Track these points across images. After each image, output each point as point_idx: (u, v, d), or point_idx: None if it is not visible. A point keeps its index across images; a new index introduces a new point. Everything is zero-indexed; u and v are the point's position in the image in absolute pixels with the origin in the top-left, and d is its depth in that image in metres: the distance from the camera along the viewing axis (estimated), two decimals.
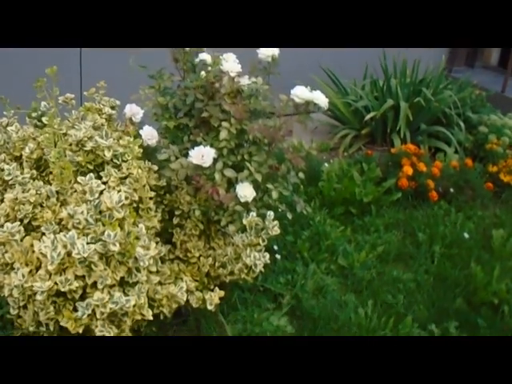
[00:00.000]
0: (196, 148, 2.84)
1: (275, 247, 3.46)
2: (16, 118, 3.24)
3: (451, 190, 4.65)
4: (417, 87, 5.63)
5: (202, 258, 3.04)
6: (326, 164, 4.47)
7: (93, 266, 2.52)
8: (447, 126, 5.57)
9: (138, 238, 2.57)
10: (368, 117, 5.34)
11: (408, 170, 4.55)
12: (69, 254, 2.51)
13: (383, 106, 5.34)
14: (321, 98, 3.12)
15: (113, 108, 3.34)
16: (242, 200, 2.87)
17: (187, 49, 3.22)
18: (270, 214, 2.87)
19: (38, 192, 2.79)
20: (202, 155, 2.81)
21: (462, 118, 5.70)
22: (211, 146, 2.92)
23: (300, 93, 3.09)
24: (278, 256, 3.47)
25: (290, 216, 3.15)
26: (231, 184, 2.94)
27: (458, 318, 3.41)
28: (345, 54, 6.18)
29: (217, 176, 2.85)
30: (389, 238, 4.00)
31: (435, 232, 4.13)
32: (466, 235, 4.14)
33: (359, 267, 3.62)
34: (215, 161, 2.87)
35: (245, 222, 2.84)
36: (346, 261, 3.64)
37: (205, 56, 3.22)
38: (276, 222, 2.86)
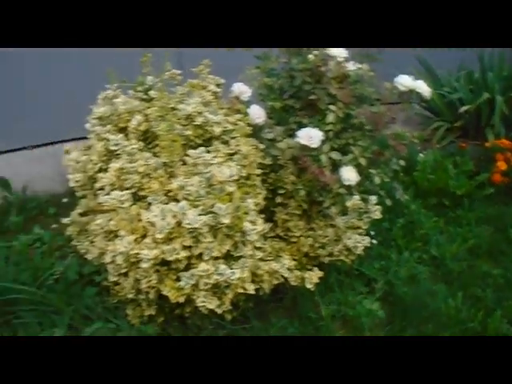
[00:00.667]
0: (304, 129, 2.89)
1: (372, 232, 3.48)
2: (120, 90, 3.31)
3: None
4: None
5: (302, 238, 3.10)
6: (421, 154, 4.44)
7: (201, 238, 2.60)
8: None
9: (246, 213, 2.65)
10: (462, 109, 5.29)
11: (502, 165, 4.52)
12: (179, 224, 2.59)
13: (478, 99, 5.28)
14: (423, 87, 3.14)
15: (218, 86, 3.39)
16: (346, 183, 2.91)
17: None
18: (373, 198, 2.91)
19: (147, 163, 2.87)
20: (311, 136, 2.86)
21: None
22: (319, 128, 2.95)
23: (404, 81, 3.11)
24: (374, 241, 3.50)
25: (389, 203, 3.17)
26: (335, 167, 2.98)
27: None
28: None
29: (323, 158, 2.90)
30: (480, 233, 3.95)
31: None
32: None
33: (450, 258, 3.63)
34: (322, 143, 2.91)
35: (348, 204, 2.89)
36: (438, 251, 3.66)
37: None
38: (378, 207, 2.90)
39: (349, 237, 2.92)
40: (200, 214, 2.59)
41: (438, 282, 3.50)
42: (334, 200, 2.99)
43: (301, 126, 3.02)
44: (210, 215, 2.58)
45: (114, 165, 2.87)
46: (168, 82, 3.36)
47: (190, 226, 2.55)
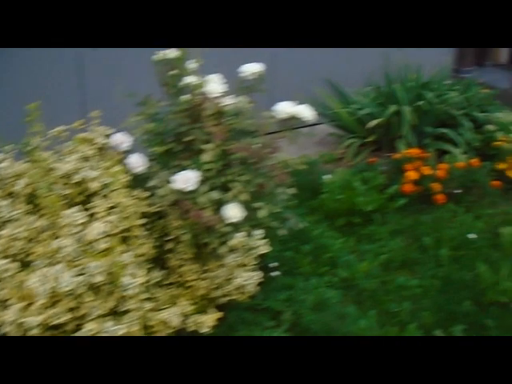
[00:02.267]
0: (180, 173, 2.87)
1: (273, 264, 3.45)
2: (15, 152, 3.26)
3: (458, 191, 4.62)
4: (420, 91, 5.61)
5: (197, 281, 3.06)
6: (328, 176, 4.45)
7: (83, 298, 2.57)
8: (454, 127, 5.55)
9: (123, 267, 2.61)
10: (371, 124, 5.34)
11: (411, 174, 4.55)
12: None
13: (386, 112, 5.33)
14: (305, 112, 3.13)
15: (106, 136, 3.36)
16: (230, 221, 2.88)
17: (173, 72, 3.25)
18: (258, 232, 2.89)
19: (31, 227, 2.83)
20: (187, 179, 2.84)
21: (468, 117, 5.68)
22: (198, 169, 2.94)
23: (283, 108, 3.12)
24: (275, 273, 3.47)
25: (282, 232, 3.15)
26: (221, 205, 2.95)
27: (466, 321, 3.38)
28: (346, 62, 6.24)
29: (201, 199, 2.88)
30: (394, 246, 3.95)
31: (441, 235, 4.16)
32: (473, 236, 4.11)
33: (362, 277, 3.59)
34: (201, 183, 2.89)
35: (232, 243, 2.87)
36: (347, 272, 3.61)
37: (189, 79, 3.24)
38: (264, 241, 2.88)
39: (239, 275, 2.89)
40: (77, 275, 2.55)
41: (350, 304, 3.48)
42: (220, 240, 2.96)
43: (183, 168, 3.00)
44: (86, 275, 2.54)
45: (4, 232, 2.85)
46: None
47: (66, 289, 2.51)
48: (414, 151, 4.81)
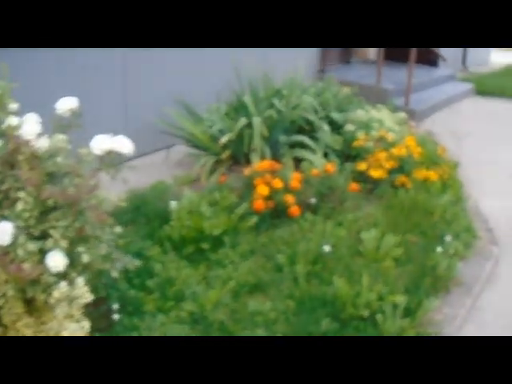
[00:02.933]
0: None
1: (116, 306, 3.40)
2: None
3: (313, 200, 4.67)
4: (271, 99, 5.69)
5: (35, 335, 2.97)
6: (177, 201, 4.43)
7: None
8: (312, 132, 5.66)
9: None
10: (223, 140, 5.35)
11: (262, 190, 4.53)
12: None
13: (236, 125, 5.37)
14: (123, 144, 3.08)
15: None
16: (54, 270, 2.82)
17: None
18: (80, 280, 2.85)
19: None
20: (2, 232, 2.75)
21: (327, 119, 5.82)
22: (15, 219, 2.85)
23: (99, 144, 3.06)
24: (118, 316, 3.40)
25: (114, 274, 3.11)
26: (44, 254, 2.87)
27: None
28: (197, 79, 6.27)
29: (20, 251, 2.79)
30: (245, 268, 3.85)
31: (296, 250, 4.01)
32: (328, 247, 4.07)
33: (210, 309, 3.51)
34: (18, 234, 2.81)
35: (56, 295, 2.81)
36: (195, 304, 3.52)
37: (9, 121, 3.13)
38: (86, 288, 2.83)
39: (67, 327, 2.83)
40: None
41: None
42: (46, 291, 2.89)
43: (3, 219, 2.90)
44: None
45: None
46: None
47: None
48: (265, 164, 4.83)
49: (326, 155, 5.52)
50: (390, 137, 5.48)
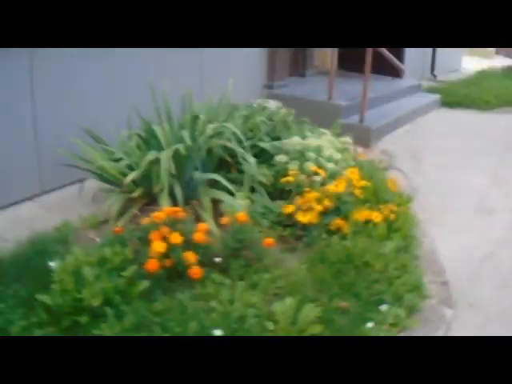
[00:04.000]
0: None
1: None
2: None
3: (220, 258, 3.79)
4: (188, 129, 4.79)
5: None
6: (60, 259, 3.51)
7: None
8: (238, 165, 4.78)
9: None
10: (128, 179, 4.42)
11: (157, 246, 3.61)
12: None
13: (143, 161, 4.46)
14: None
15: None
16: None
17: None
18: None
19: None
20: None
21: (256, 149, 4.95)
22: None
23: None
24: None
25: None
26: None
27: None
28: (109, 107, 5.38)
29: None
30: None
31: (185, 330, 3.16)
32: (217, 332, 3.14)
33: None
34: None
35: None
36: None
37: None
38: None
39: None
40: None
41: None
42: None
43: None
44: None
45: None
46: None
47: None
48: (162, 214, 3.90)
49: (254, 192, 4.57)
50: (323, 173, 4.58)
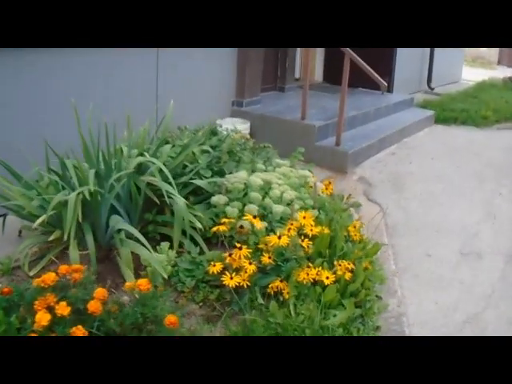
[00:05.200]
0: None
1: None
2: None
3: (120, 333, 2.93)
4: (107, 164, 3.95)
5: None
6: None
7: None
8: (168, 206, 3.94)
9: None
10: (38, 222, 3.59)
11: (41, 318, 2.79)
12: None
13: (52, 203, 3.62)
14: None
15: None
16: None
17: None
18: None
19: None
20: None
21: (191, 187, 4.10)
22: None
23: None
24: None
25: None
26: None
27: None
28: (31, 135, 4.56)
29: None
30: None
31: None
32: None
33: None
34: None
35: None
36: None
37: None
38: None
39: None
40: None
41: None
42: None
43: None
44: None
45: None
46: None
47: None
48: (51, 276, 3.04)
49: (191, 239, 3.75)
50: (258, 223, 3.71)
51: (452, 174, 6.88)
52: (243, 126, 6.82)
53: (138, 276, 3.52)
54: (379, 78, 6.35)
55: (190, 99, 6.44)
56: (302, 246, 3.61)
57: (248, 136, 5.67)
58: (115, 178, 3.79)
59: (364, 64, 6.30)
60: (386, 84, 6.53)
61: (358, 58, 6.35)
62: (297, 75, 10.01)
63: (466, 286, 4.24)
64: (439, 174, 6.83)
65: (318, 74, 10.21)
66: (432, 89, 12.54)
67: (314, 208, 4.27)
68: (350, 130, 7.24)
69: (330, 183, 4.82)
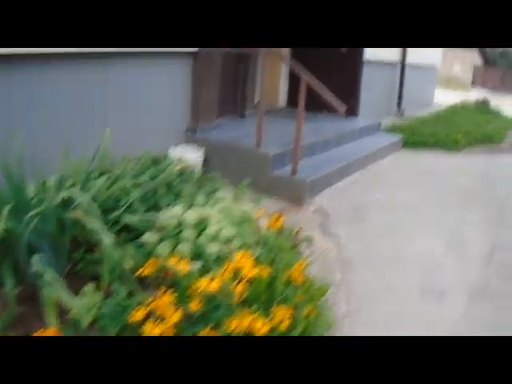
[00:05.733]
0: None
1: None
2: None
3: None
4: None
5: None
6: None
7: None
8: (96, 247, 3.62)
9: None
10: None
11: None
12: None
13: None
14: None
15: None
16: None
17: None
18: None
19: None
20: None
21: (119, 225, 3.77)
22: None
23: None
24: None
25: None
26: None
27: None
28: None
29: None
30: None
31: None
32: None
33: None
34: None
35: None
36: None
37: None
38: None
39: None
40: None
41: None
42: None
43: None
44: None
45: None
46: None
47: None
48: None
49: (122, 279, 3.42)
50: (185, 266, 3.38)
51: (417, 202, 6.60)
52: (196, 155, 6.51)
53: (62, 320, 3.19)
54: (337, 101, 6.03)
55: (141, 125, 6.12)
56: (235, 291, 3.27)
57: (199, 165, 5.34)
58: (35, 213, 3.45)
59: (321, 88, 5.99)
60: (346, 107, 6.20)
61: (316, 82, 6.04)
62: (259, 99, 9.75)
63: (427, 324, 3.91)
64: (403, 202, 6.54)
65: (282, 98, 9.95)
66: (402, 112, 12.34)
67: (256, 246, 3.93)
68: (310, 157, 6.94)
69: (279, 216, 4.48)
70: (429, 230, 5.71)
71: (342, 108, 6.03)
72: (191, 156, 6.38)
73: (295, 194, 6.06)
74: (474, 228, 5.90)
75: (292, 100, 9.62)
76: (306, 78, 6.03)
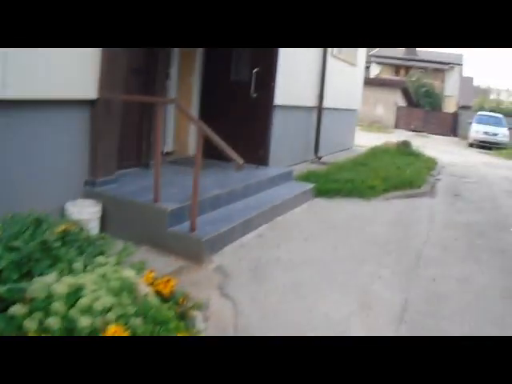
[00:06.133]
0: None
1: None
2: None
3: None
4: None
5: None
6: None
7: None
8: None
9: None
10: None
11: None
12: None
13: None
14: None
15: None
16: None
17: None
18: None
19: None
20: None
21: None
22: None
23: None
24: None
25: None
26: None
27: None
28: None
29: None
30: None
31: None
32: None
33: None
34: None
35: None
36: None
37: None
38: None
39: None
40: None
41: None
42: None
43: None
44: None
45: None
46: None
47: None
48: None
49: None
50: None
51: (326, 257, 6.54)
52: (92, 210, 6.36)
53: None
54: (235, 154, 6.01)
55: (31, 179, 5.92)
56: None
57: (96, 221, 5.22)
58: None
59: (218, 141, 5.96)
60: (242, 163, 6.15)
61: (213, 135, 6.01)
62: (169, 148, 9.72)
63: None
64: (311, 257, 6.47)
65: (192, 147, 9.91)
66: (319, 158, 12.45)
67: (136, 317, 3.82)
68: (214, 211, 6.88)
69: (168, 280, 4.39)
70: (337, 288, 5.59)
71: (240, 161, 6.00)
72: (87, 211, 6.25)
73: (193, 252, 5.94)
74: (386, 283, 5.88)
75: (203, 149, 9.59)
76: (203, 130, 6.00)
